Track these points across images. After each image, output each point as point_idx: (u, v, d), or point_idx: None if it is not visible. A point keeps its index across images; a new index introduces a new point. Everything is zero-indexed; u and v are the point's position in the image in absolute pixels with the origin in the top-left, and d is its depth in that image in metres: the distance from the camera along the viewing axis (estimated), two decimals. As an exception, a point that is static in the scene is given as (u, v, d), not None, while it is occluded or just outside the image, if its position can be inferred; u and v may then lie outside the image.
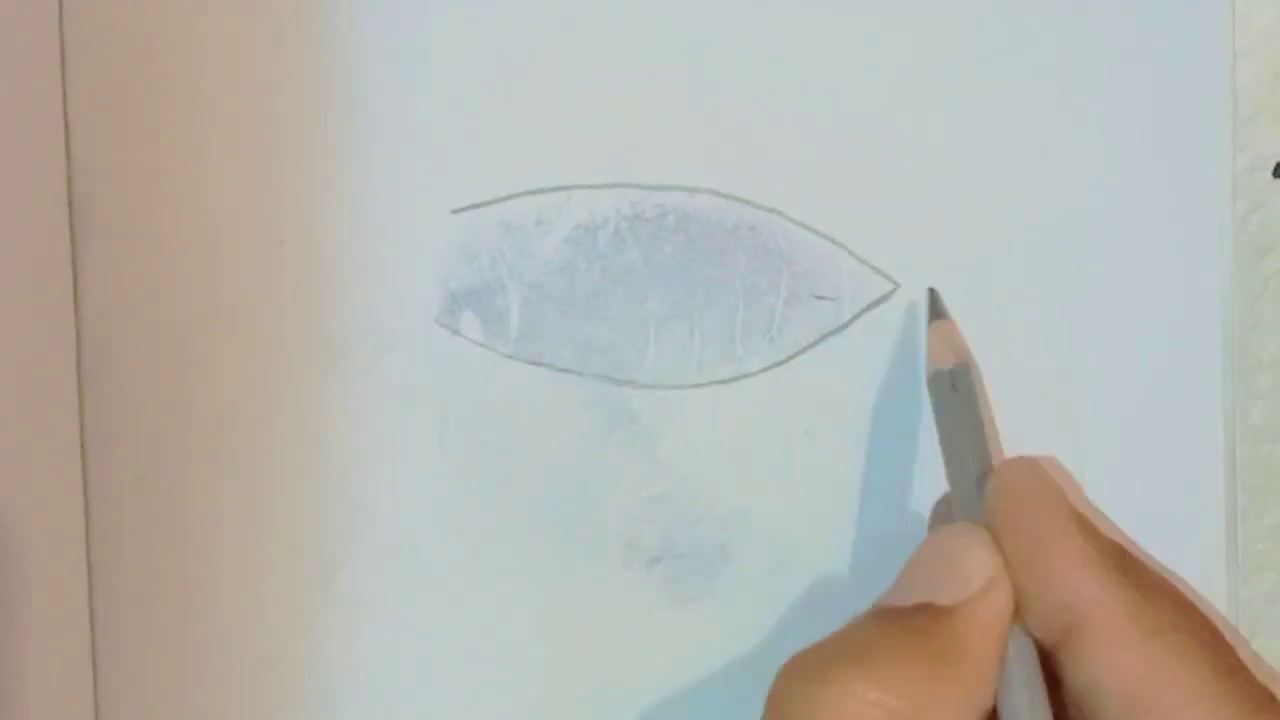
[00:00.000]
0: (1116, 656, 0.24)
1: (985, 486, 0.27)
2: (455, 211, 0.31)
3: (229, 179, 0.31)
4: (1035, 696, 0.25)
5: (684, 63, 0.31)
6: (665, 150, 0.31)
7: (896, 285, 0.32)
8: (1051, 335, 0.32)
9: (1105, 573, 0.24)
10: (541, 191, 0.31)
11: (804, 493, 0.32)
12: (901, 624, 0.25)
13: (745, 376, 0.32)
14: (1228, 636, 0.25)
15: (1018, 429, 0.32)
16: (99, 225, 0.30)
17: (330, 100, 0.31)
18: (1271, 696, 0.23)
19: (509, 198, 0.31)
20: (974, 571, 0.25)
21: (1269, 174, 0.32)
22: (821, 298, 0.32)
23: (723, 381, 0.32)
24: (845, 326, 0.32)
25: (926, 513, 0.32)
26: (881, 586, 0.32)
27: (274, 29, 0.31)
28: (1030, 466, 0.26)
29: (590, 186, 0.31)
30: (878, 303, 0.32)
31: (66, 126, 0.30)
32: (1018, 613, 0.25)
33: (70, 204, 0.30)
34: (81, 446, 0.30)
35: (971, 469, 0.27)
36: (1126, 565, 0.25)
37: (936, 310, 0.31)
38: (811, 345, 0.32)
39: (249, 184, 0.31)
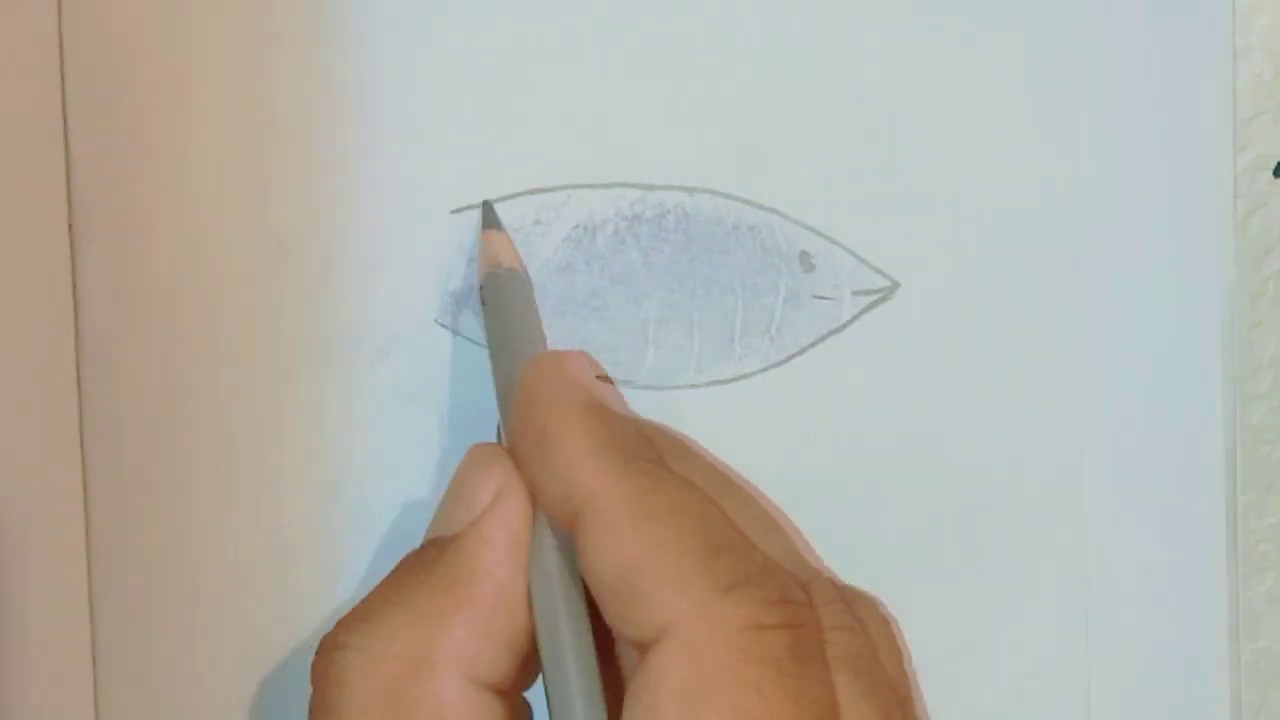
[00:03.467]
0: (607, 543, 0.23)
1: None
2: (455, 211, 0.31)
3: (228, 180, 0.31)
4: (558, 591, 0.24)
5: (683, 63, 0.31)
6: (664, 150, 0.31)
7: (896, 284, 0.32)
8: (1050, 335, 0.32)
9: (606, 462, 0.24)
10: (540, 191, 0.31)
11: (803, 493, 0.32)
12: (412, 565, 0.25)
13: (744, 377, 0.32)
14: (737, 520, 0.24)
15: (1018, 430, 0.32)
16: (99, 225, 0.30)
17: (329, 101, 0.31)
18: (763, 571, 0.23)
19: (508, 197, 0.31)
20: (478, 491, 0.25)
21: (1269, 174, 0.32)
22: (821, 297, 0.32)
23: (722, 382, 0.32)
24: (845, 326, 0.32)
25: (929, 514, 0.32)
26: (881, 586, 0.32)
27: (274, 30, 0.31)
28: (551, 361, 0.26)
29: (589, 186, 0.31)
30: (877, 302, 0.32)
31: (66, 126, 0.30)
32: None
33: (70, 204, 0.30)
34: (81, 446, 0.30)
35: (511, 377, 0.27)
36: (633, 454, 0.25)
37: (487, 221, 0.30)
38: (811, 345, 0.32)
39: (248, 185, 0.31)
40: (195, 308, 0.31)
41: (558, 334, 0.31)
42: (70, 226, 0.30)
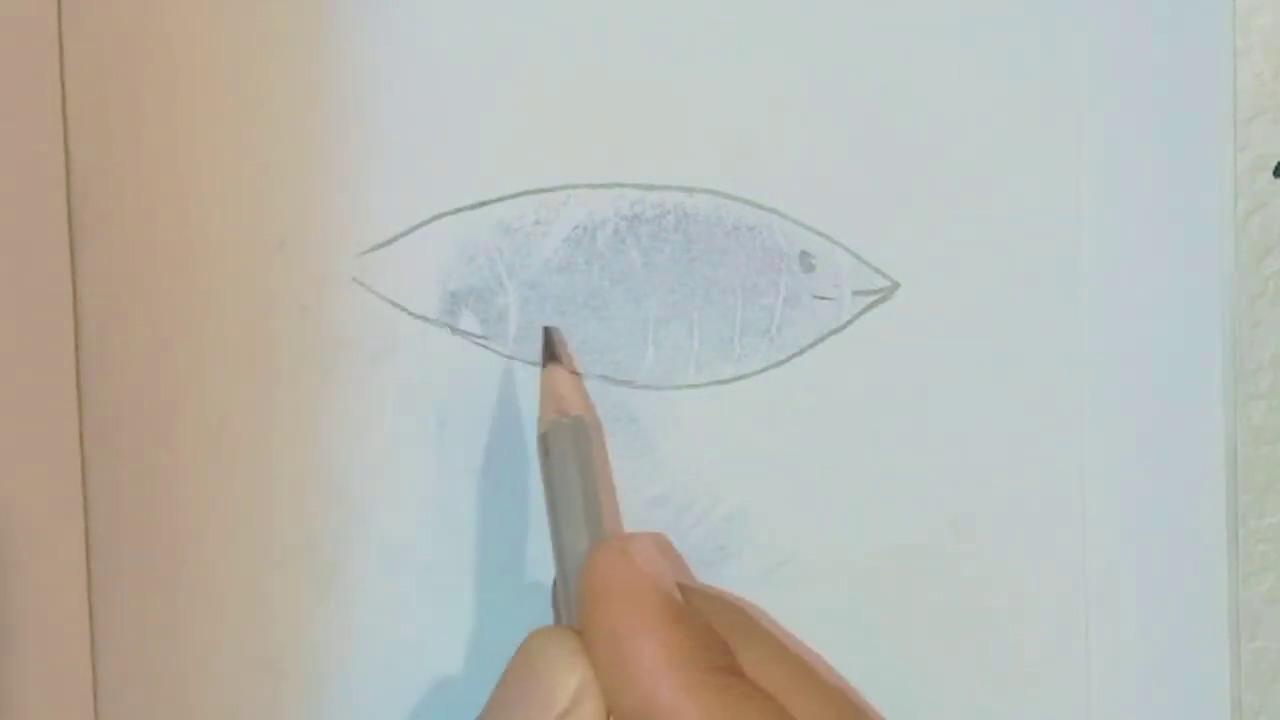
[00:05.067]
0: None
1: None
2: (454, 211, 0.31)
3: (228, 180, 0.31)
4: None
5: (683, 63, 0.31)
6: (664, 150, 0.31)
7: (896, 284, 0.32)
8: (1051, 335, 0.32)
9: (684, 674, 0.23)
10: (540, 192, 0.31)
11: (803, 493, 0.32)
12: None
13: (744, 377, 0.32)
14: (806, 711, 0.24)
15: (1018, 430, 0.32)
16: (99, 226, 0.30)
17: (329, 101, 0.31)
18: None
19: (508, 198, 0.31)
20: (558, 689, 0.24)
21: (1269, 174, 0.32)
22: (820, 297, 0.32)
23: (722, 382, 0.32)
24: (844, 326, 0.32)
25: (930, 514, 0.32)
26: (883, 585, 0.32)
27: (273, 30, 0.31)
28: (619, 551, 0.25)
29: (589, 186, 0.31)
30: (877, 302, 0.32)
31: (65, 127, 0.30)
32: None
33: (70, 204, 0.30)
34: (81, 446, 0.30)
35: (576, 549, 0.26)
36: (711, 663, 0.24)
37: (549, 352, 0.29)
38: (811, 345, 0.32)
39: (248, 185, 0.31)
40: (195, 308, 0.31)
41: (557, 334, 0.31)
42: (70, 227, 0.30)
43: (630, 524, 0.31)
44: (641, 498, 0.31)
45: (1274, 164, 0.32)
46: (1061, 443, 0.32)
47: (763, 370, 0.32)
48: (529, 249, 0.31)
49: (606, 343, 0.31)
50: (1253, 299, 0.32)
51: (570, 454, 0.27)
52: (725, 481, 0.32)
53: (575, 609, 0.25)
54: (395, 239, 0.31)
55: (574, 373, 0.29)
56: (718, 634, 0.25)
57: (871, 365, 0.32)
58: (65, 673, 0.30)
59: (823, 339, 0.32)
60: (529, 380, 0.31)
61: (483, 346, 0.31)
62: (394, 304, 0.31)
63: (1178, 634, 0.32)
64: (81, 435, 0.30)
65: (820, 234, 0.32)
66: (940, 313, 0.32)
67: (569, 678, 0.24)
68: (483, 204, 0.31)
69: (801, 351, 0.32)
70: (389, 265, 0.31)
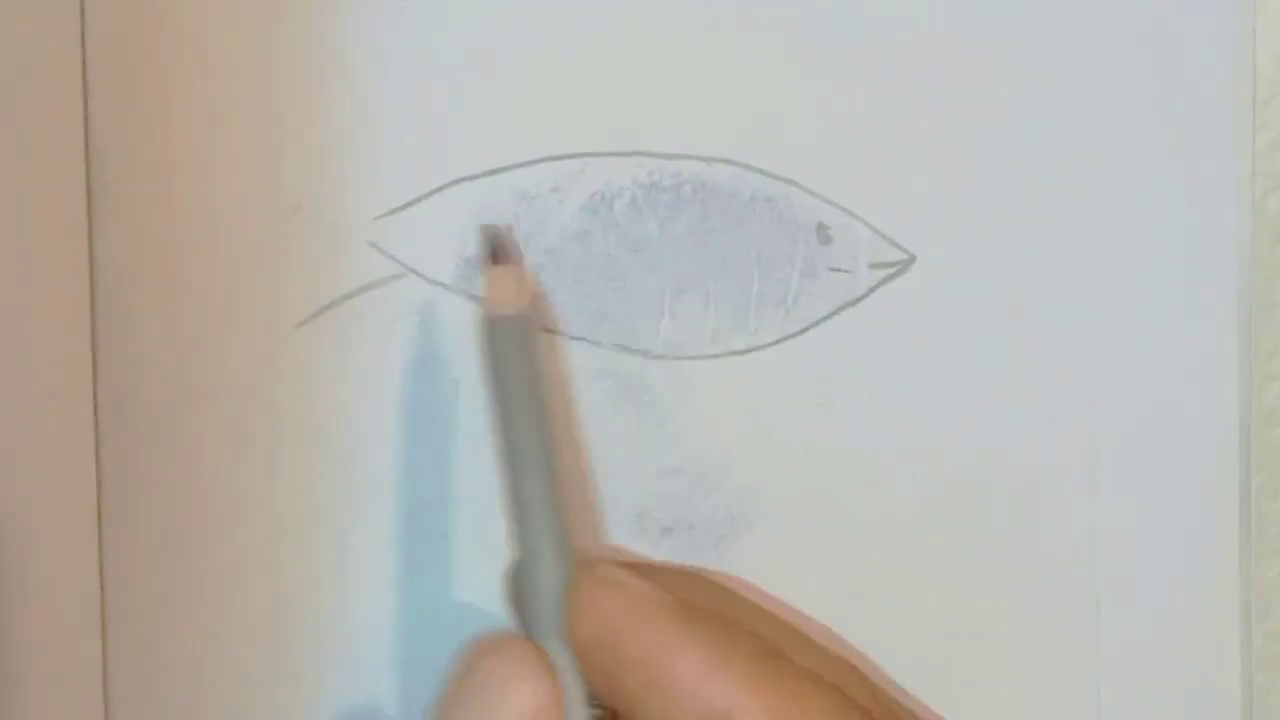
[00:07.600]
0: None
1: (561, 593, 0.25)
2: (471, 178, 0.31)
3: (242, 146, 0.31)
4: None
5: (702, 31, 0.31)
6: (682, 119, 0.31)
7: (913, 257, 0.32)
8: (1065, 312, 0.32)
9: (741, 673, 0.23)
10: (558, 159, 0.31)
11: (817, 466, 0.32)
12: None
13: (759, 348, 0.31)
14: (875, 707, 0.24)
15: (1031, 407, 0.32)
16: (115, 191, 0.30)
17: (344, 67, 0.31)
18: None
19: (525, 165, 0.31)
20: (523, 706, 0.24)
21: (1287, 154, 0.32)
22: (837, 270, 0.31)
23: (737, 353, 0.31)
24: (861, 299, 0.32)
25: (941, 486, 0.32)
26: (895, 559, 0.32)
27: (292, -7, 0.31)
28: (610, 584, 0.25)
29: (607, 155, 0.31)
30: (894, 275, 0.32)
31: (85, 99, 0.30)
32: None
33: (88, 170, 0.30)
34: (95, 413, 0.30)
35: (533, 483, 0.26)
36: (764, 658, 0.24)
37: (493, 250, 0.28)
38: (826, 317, 0.31)
39: (262, 151, 0.31)
40: (210, 275, 0.31)
41: (573, 302, 0.31)
42: (88, 192, 0.30)
43: (642, 495, 0.31)
44: (655, 468, 0.31)
45: (1293, 144, 0.32)
46: (1075, 422, 0.32)
47: (778, 342, 0.32)
48: (546, 216, 0.31)
49: (622, 312, 0.31)
50: (1269, 280, 0.32)
51: (515, 349, 0.27)
52: (739, 453, 0.31)
53: (572, 642, 0.25)
54: (411, 204, 0.31)
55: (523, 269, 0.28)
56: (732, 619, 0.25)
57: (887, 338, 0.32)
58: (76, 670, 0.30)
59: (838, 311, 0.32)
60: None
61: (497, 314, 0.31)
62: (409, 269, 0.31)
63: (1189, 616, 0.32)
64: (96, 402, 0.30)
65: (838, 206, 0.31)
66: (956, 286, 0.32)
67: (532, 697, 0.24)
68: (499, 170, 0.31)
69: (817, 323, 0.31)
70: (404, 230, 0.31)
